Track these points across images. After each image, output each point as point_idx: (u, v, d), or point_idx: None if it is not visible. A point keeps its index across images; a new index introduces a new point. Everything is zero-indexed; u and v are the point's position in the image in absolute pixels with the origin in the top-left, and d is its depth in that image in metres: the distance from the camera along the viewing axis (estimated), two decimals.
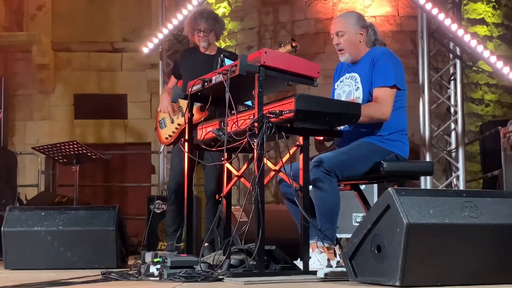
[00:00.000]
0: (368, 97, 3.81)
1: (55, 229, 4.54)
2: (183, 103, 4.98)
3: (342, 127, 3.79)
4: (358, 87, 3.87)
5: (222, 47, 5.37)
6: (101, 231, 4.52)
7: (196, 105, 4.61)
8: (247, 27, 9.31)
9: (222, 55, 4.10)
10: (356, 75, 3.91)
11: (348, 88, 3.93)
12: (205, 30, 5.08)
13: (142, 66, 10.54)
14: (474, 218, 2.82)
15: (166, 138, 5.15)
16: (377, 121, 3.74)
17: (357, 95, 3.86)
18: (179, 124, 5.06)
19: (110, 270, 3.54)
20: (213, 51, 5.15)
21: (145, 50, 7.93)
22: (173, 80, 5.34)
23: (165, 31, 7.87)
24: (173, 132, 5.09)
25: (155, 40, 7.90)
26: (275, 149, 3.48)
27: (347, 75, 3.98)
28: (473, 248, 2.82)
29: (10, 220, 4.61)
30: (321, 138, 3.98)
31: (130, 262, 4.67)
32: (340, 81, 4.02)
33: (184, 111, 5.01)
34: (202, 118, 3.95)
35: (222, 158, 3.59)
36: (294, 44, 3.52)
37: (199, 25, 5.09)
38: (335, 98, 4.00)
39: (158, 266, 3.21)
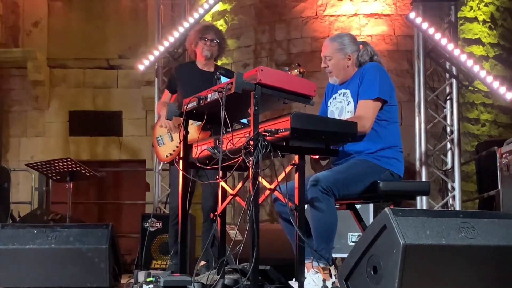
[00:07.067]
0: None
1: (47, 247, 4.48)
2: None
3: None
4: (349, 101, 3.87)
5: (218, 65, 5.34)
6: (94, 249, 4.46)
7: (197, 124, 4.57)
8: (243, 45, 9.31)
9: (218, 73, 4.08)
10: (347, 91, 3.91)
11: (340, 105, 3.93)
12: (213, 39, 5.09)
13: (138, 83, 10.54)
14: (471, 239, 2.79)
15: (167, 156, 5.10)
16: (358, 134, 3.64)
17: (349, 109, 3.85)
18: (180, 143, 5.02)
19: None
20: (211, 68, 5.15)
21: (141, 67, 7.92)
22: (167, 94, 5.31)
23: (161, 48, 7.86)
24: (173, 151, 5.04)
25: (151, 57, 7.89)
26: (270, 167, 3.45)
27: (339, 91, 3.97)
28: (469, 270, 2.79)
29: (2, 238, 4.54)
30: (317, 156, 3.96)
31: (123, 281, 4.62)
32: (333, 99, 4.01)
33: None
34: (204, 138, 3.88)
35: (217, 177, 3.55)
36: (301, 70, 3.48)
37: (208, 34, 5.10)
38: (329, 116, 3.99)
39: (151, 285, 3.17)
